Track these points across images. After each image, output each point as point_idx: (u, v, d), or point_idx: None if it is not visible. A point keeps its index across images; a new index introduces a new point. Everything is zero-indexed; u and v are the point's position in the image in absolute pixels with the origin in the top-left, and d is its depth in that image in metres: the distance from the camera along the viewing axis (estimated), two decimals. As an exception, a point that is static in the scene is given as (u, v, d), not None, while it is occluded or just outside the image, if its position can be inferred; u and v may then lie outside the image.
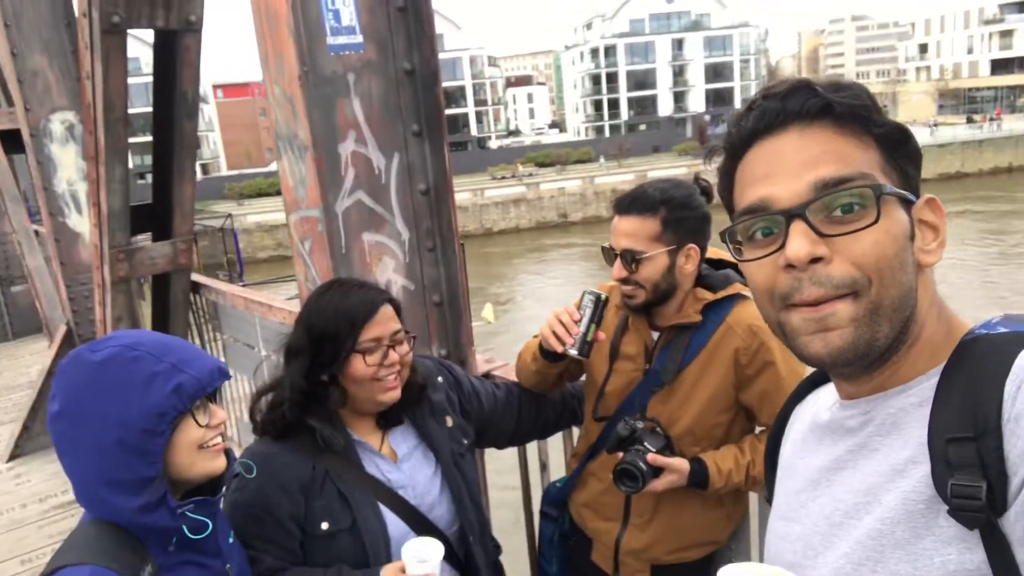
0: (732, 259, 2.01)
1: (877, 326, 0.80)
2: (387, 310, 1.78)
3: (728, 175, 0.91)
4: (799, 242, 0.80)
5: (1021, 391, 0.72)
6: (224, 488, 1.51)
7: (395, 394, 1.80)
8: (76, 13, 3.86)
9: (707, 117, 73.20)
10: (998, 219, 34.07)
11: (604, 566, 2.14)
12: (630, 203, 1.91)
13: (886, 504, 0.82)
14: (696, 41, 77.74)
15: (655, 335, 2.00)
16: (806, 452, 0.97)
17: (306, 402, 1.75)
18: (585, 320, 1.91)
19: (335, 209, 2.26)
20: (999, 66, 72.11)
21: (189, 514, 1.41)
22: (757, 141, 0.86)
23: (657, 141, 64.36)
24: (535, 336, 2.16)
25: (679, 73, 78.15)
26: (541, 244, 39.24)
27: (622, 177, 45.05)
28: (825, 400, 0.98)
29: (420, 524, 1.81)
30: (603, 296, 1.91)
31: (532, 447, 2.52)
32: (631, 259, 1.88)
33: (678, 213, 1.89)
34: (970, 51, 75.84)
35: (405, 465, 1.87)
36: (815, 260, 0.80)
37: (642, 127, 75.11)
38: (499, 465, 2.78)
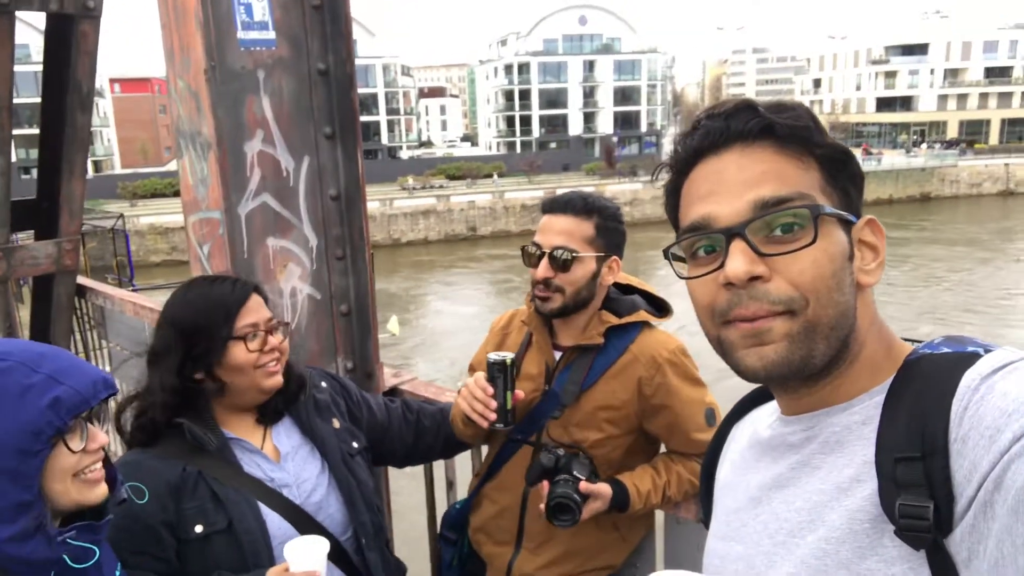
0: (641, 285, 2.04)
1: (812, 344, 0.81)
2: (257, 298, 1.77)
3: (674, 193, 0.92)
4: (738, 261, 0.81)
5: (967, 412, 0.73)
6: (109, 513, 1.36)
7: (278, 379, 1.77)
8: (-44, -10, 3.57)
9: (615, 139, 74.99)
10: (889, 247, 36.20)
11: None
12: (566, 203, 1.88)
13: (830, 523, 0.81)
14: (607, 64, 79.66)
15: (556, 355, 1.97)
16: (746, 469, 0.96)
17: (176, 403, 1.68)
18: (500, 390, 1.83)
19: (238, 211, 2.15)
20: (883, 104, 77.12)
21: (71, 541, 1.26)
22: (701, 160, 0.87)
23: (567, 160, 65.53)
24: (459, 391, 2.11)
25: (589, 94, 79.82)
26: (449, 256, 39.13)
27: (532, 193, 45.54)
28: (765, 418, 0.98)
29: (306, 524, 1.74)
30: (508, 359, 1.83)
31: (439, 463, 2.46)
32: (562, 258, 1.85)
33: (610, 223, 1.89)
34: (858, 88, 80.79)
35: (289, 464, 1.80)
36: (754, 278, 0.81)
37: (552, 145, 76.15)
38: (405, 483, 2.70)
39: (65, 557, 1.25)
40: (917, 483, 0.73)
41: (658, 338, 1.93)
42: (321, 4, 2.17)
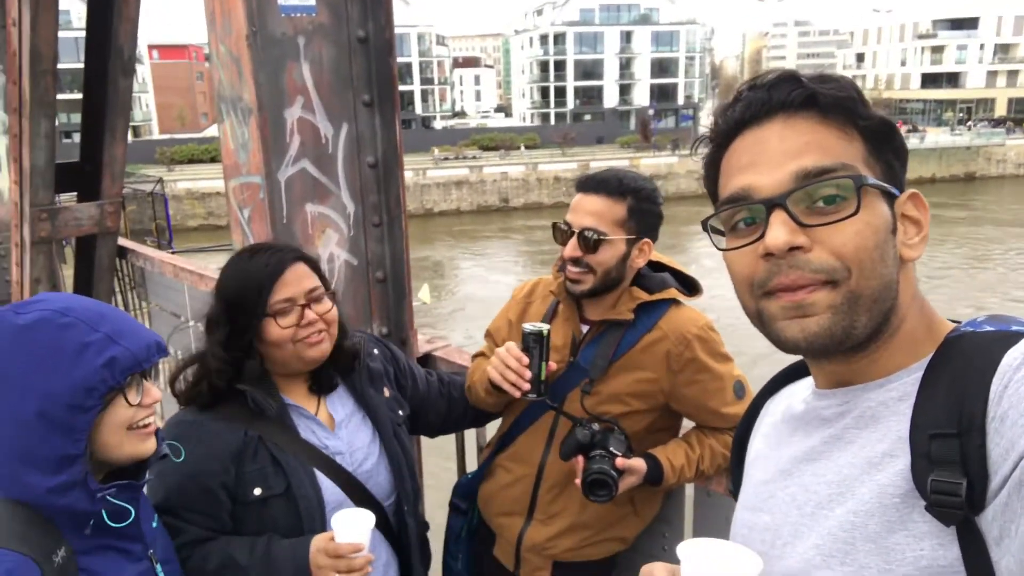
0: (672, 264, 2.02)
1: (855, 315, 0.81)
2: (299, 268, 1.73)
3: (714, 165, 0.91)
4: (778, 231, 0.80)
5: (1007, 390, 0.72)
6: (148, 471, 1.42)
7: (323, 347, 1.75)
8: (3, -47, 3.63)
9: (651, 111, 74.04)
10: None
11: (505, 561, 2.10)
12: (599, 183, 1.86)
13: (859, 496, 0.82)
14: (644, 35, 78.38)
15: (584, 328, 1.97)
16: (779, 443, 0.97)
17: (233, 370, 1.71)
18: (535, 361, 1.82)
19: (278, 176, 2.18)
20: (929, 80, 75.01)
21: (110, 499, 1.30)
22: (743, 131, 0.86)
23: (601, 132, 64.88)
24: (475, 356, 2.12)
25: (626, 66, 78.72)
26: (482, 227, 39.16)
27: (565, 165, 45.27)
28: (800, 392, 0.98)
29: (357, 491, 1.77)
30: (545, 331, 1.82)
31: (471, 431, 2.49)
32: (591, 239, 1.83)
33: (644, 205, 1.86)
34: (903, 63, 78.66)
35: (343, 431, 1.83)
36: (794, 249, 0.80)
37: (587, 117, 75.45)
38: (441, 452, 2.73)
39: (103, 513, 1.30)
40: (951, 460, 0.73)
41: (687, 315, 1.92)
42: (361, -30, 2.16)
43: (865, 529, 0.80)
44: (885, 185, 0.83)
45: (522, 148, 54.53)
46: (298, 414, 1.78)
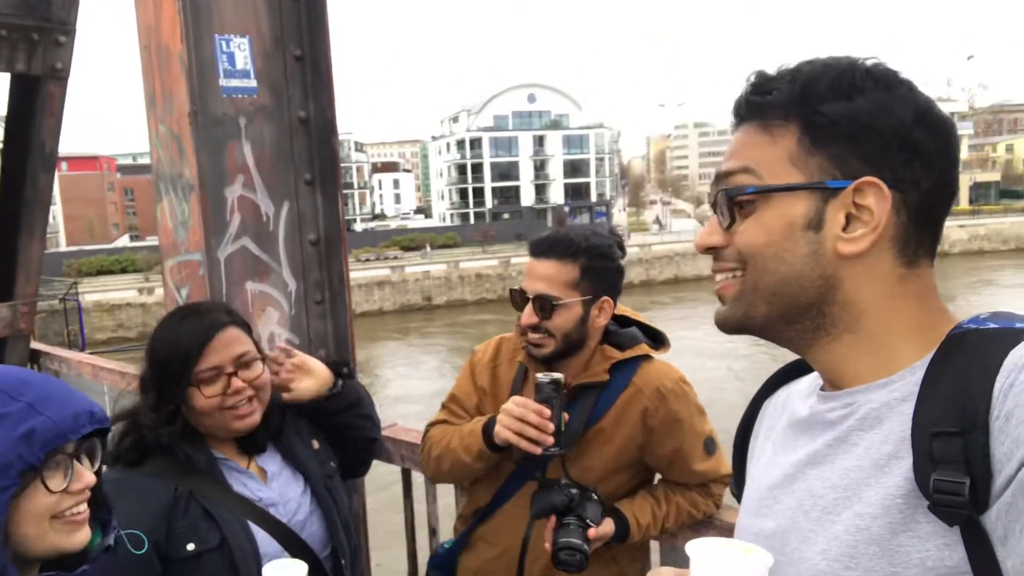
0: (636, 317, 2.05)
1: (752, 306, 0.88)
2: (229, 333, 1.70)
3: None
4: (700, 233, 0.92)
5: (1013, 389, 0.71)
6: (88, 560, 1.24)
7: (251, 420, 1.73)
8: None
9: (566, 208, 76.55)
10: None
11: None
12: (549, 246, 1.84)
13: (865, 500, 0.81)
14: (556, 139, 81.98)
15: None
16: (784, 447, 0.96)
17: (163, 426, 1.68)
18: (556, 412, 1.72)
19: (217, 254, 2.15)
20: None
21: None
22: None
23: (520, 229, 66.29)
24: (431, 426, 2.05)
25: (540, 167, 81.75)
26: (405, 327, 38.88)
27: (487, 262, 45.87)
28: (802, 393, 0.97)
29: (292, 542, 1.75)
30: (560, 379, 1.75)
31: (421, 512, 2.41)
32: (545, 305, 1.81)
33: (598, 263, 1.84)
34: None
35: (275, 483, 1.82)
36: (711, 248, 0.91)
37: (506, 216, 77.30)
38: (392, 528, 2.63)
39: None
40: (953, 459, 0.72)
41: (660, 369, 1.92)
42: (303, 55, 2.23)
43: (869, 532, 0.79)
44: (776, 186, 0.84)
45: (427, 247, 54.91)
46: (228, 468, 1.76)
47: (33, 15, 3.24)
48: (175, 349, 1.67)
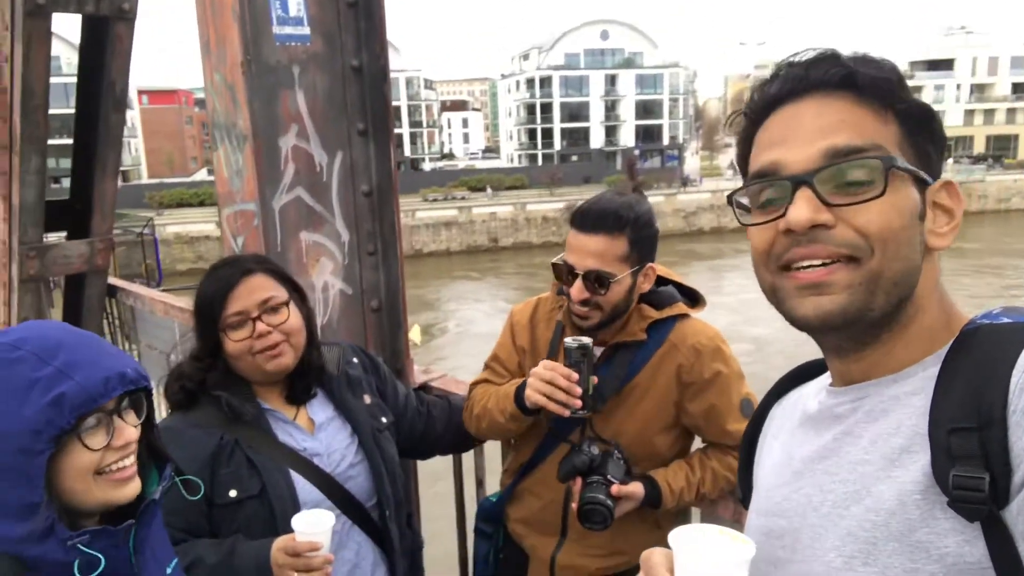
0: (673, 276, 2.02)
1: (872, 296, 0.80)
2: (254, 280, 1.76)
3: (747, 141, 0.91)
4: (801, 208, 0.80)
5: None
6: (143, 511, 1.26)
7: (283, 361, 1.77)
8: (-3, -7, 3.65)
9: (636, 152, 74.98)
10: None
11: None
12: (596, 221, 1.79)
13: (877, 494, 0.80)
14: (628, 78, 79.75)
15: (596, 351, 1.92)
16: (792, 445, 0.95)
17: (200, 375, 1.77)
18: (584, 375, 1.75)
19: (272, 204, 2.17)
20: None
21: (82, 547, 1.15)
22: (778, 107, 0.86)
23: (588, 172, 65.51)
24: (475, 384, 2.08)
25: (611, 108, 79.89)
26: (471, 268, 39.22)
27: (553, 205, 45.57)
28: (811, 394, 0.96)
29: (335, 492, 1.81)
30: (590, 344, 1.77)
31: (469, 464, 2.45)
32: (602, 281, 1.78)
33: (642, 232, 1.82)
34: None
35: (321, 434, 1.87)
36: (817, 226, 0.80)
37: (574, 158, 76.25)
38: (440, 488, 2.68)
39: (75, 564, 1.15)
40: (972, 454, 0.72)
41: (696, 327, 1.91)
42: (356, 1, 2.18)
43: (887, 528, 0.78)
44: (915, 170, 0.82)
45: (488, 189, 54.67)
46: (275, 418, 1.82)
47: (101, -44, 3.27)
48: (205, 298, 1.76)
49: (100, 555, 1.17)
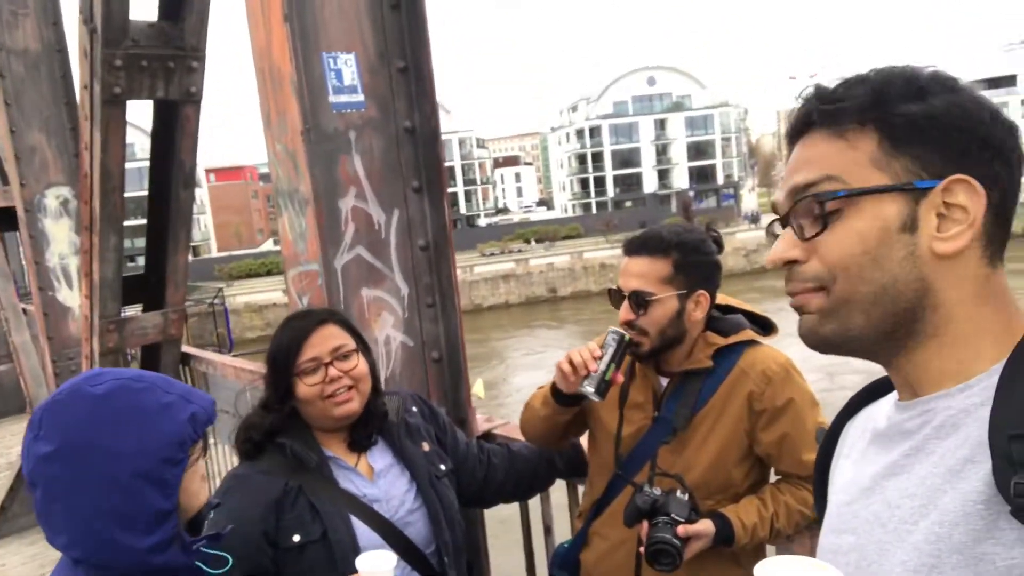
0: (742, 306, 2.01)
1: (848, 318, 0.83)
2: (327, 330, 1.85)
3: None
4: (776, 246, 0.88)
5: None
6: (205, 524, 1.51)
7: (351, 407, 1.84)
8: (77, 86, 3.93)
9: (691, 193, 74.67)
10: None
11: None
12: (641, 244, 1.88)
13: (942, 507, 0.78)
14: (678, 121, 80.00)
15: (663, 381, 1.95)
16: (862, 463, 0.94)
17: (275, 426, 1.85)
18: (606, 358, 1.81)
19: (334, 264, 2.25)
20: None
21: (204, 549, 1.37)
22: (791, 146, 0.92)
23: (643, 217, 65.31)
24: (540, 387, 2.11)
25: (662, 152, 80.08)
26: (531, 319, 39.26)
27: (611, 252, 45.53)
28: (881, 411, 0.95)
29: (393, 537, 1.85)
30: (627, 337, 1.82)
31: (536, 511, 2.44)
32: (640, 300, 1.84)
33: (690, 257, 1.86)
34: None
35: (381, 480, 1.92)
36: (791, 262, 0.86)
37: (628, 204, 76.43)
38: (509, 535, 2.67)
39: (201, 564, 1.36)
40: None
41: (766, 353, 1.89)
42: (406, 67, 2.29)
43: (951, 540, 0.76)
44: (870, 188, 0.81)
45: (532, 241, 55.07)
46: (337, 465, 1.88)
47: (169, 45, 3.50)
48: (281, 346, 1.84)
49: (227, 554, 1.41)
